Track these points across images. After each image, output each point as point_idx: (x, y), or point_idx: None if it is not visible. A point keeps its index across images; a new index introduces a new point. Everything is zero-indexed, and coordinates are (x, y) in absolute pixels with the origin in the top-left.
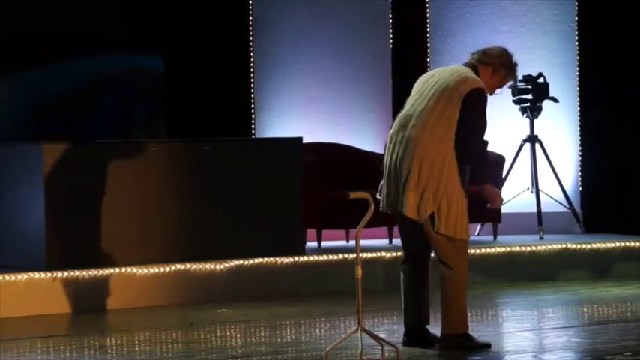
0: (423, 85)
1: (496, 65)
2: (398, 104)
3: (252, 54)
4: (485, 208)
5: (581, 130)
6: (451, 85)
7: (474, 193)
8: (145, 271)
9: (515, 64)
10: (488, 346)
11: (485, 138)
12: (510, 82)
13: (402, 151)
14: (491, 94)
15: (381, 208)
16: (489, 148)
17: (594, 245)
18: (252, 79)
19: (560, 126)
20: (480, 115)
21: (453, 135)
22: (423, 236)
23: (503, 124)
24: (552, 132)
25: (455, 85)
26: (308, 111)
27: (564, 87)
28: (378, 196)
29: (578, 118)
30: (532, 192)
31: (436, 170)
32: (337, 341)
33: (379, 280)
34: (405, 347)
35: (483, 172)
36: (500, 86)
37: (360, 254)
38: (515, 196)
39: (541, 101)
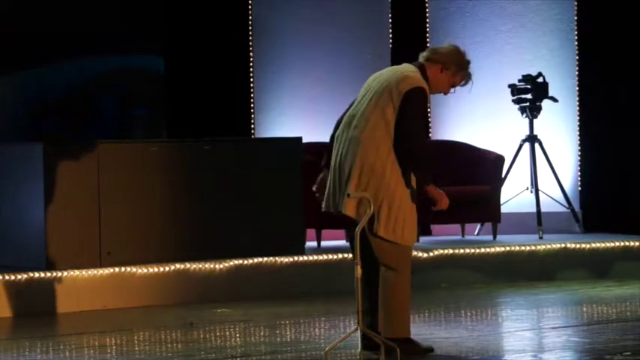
0: (369, 85)
1: (445, 63)
2: None
3: (252, 54)
4: (483, 209)
5: (580, 130)
6: (392, 84)
7: (470, 194)
8: (145, 271)
9: (468, 62)
10: (431, 350)
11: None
12: (466, 82)
13: (345, 152)
14: (445, 93)
15: (323, 208)
16: (490, 148)
17: (594, 245)
18: (252, 79)
19: (560, 126)
20: (417, 114)
21: (393, 134)
22: (367, 237)
23: (502, 124)
24: (552, 132)
25: (395, 83)
26: (308, 111)
27: (564, 87)
28: (314, 188)
29: (578, 118)
30: (531, 192)
31: (377, 171)
32: (337, 341)
33: None
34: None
35: (423, 173)
36: (454, 85)
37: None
38: (514, 195)
39: (540, 101)
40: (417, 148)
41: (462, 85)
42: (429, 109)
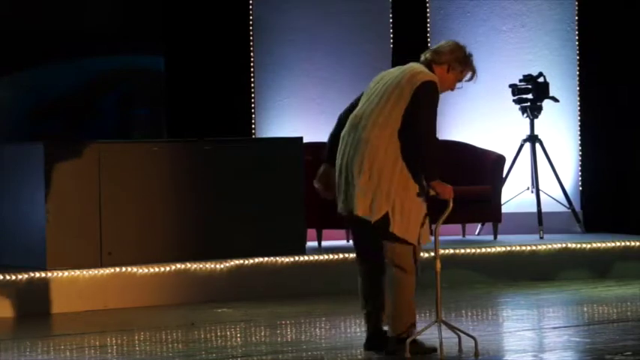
0: (375, 85)
1: (451, 63)
2: None
3: (252, 54)
4: (484, 209)
5: (581, 130)
6: (402, 82)
7: (470, 194)
8: (145, 271)
9: (470, 56)
10: (434, 350)
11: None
12: (472, 76)
13: (353, 152)
14: (452, 89)
15: (338, 210)
16: (490, 148)
17: (594, 245)
18: (252, 79)
19: (561, 126)
20: (430, 107)
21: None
22: (377, 238)
23: (503, 124)
24: (552, 132)
25: (407, 80)
26: (308, 111)
27: (564, 87)
28: (315, 182)
29: (579, 118)
30: (532, 192)
31: (387, 170)
32: (416, 332)
33: None
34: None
35: (430, 166)
36: (460, 81)
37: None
38: (515, 195)
39: (541, 101)
40: (425, 136)
41: (469, 80)
42: None
